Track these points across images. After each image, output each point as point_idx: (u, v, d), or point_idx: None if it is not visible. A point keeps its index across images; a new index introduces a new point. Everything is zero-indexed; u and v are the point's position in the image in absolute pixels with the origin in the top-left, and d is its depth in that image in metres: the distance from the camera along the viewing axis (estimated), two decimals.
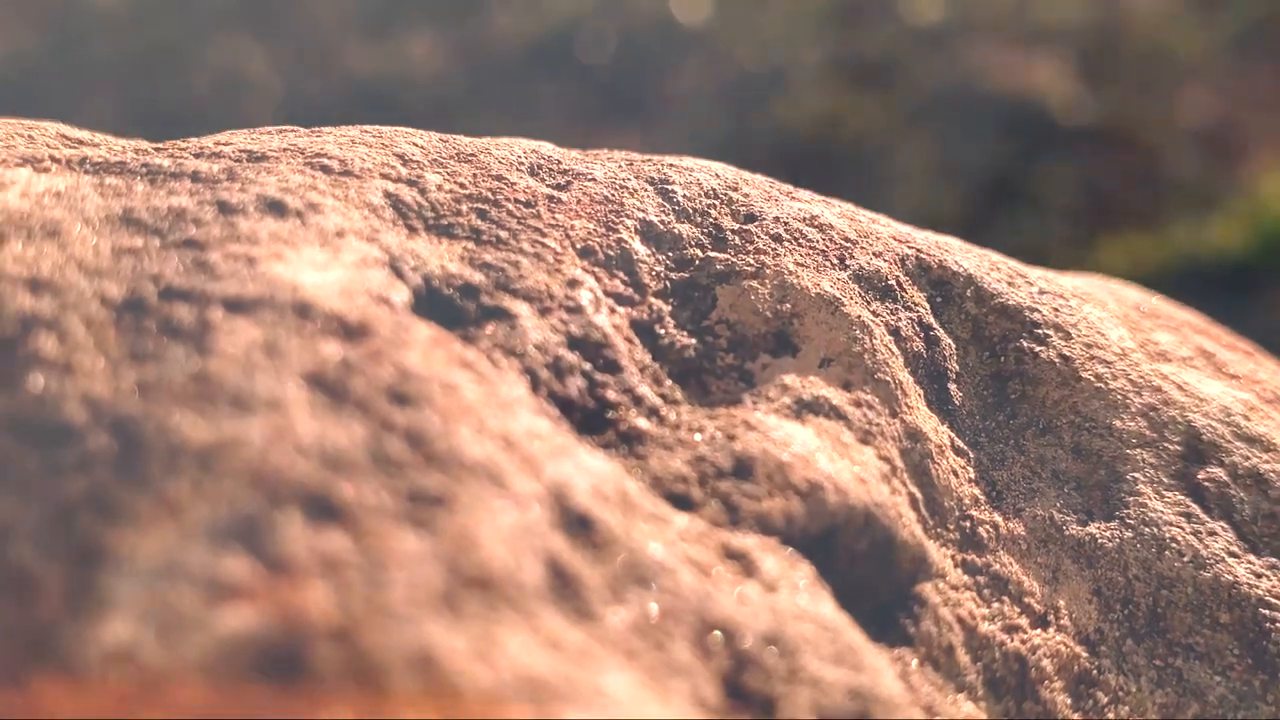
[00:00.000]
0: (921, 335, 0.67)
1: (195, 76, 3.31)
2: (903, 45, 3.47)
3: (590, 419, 0.56)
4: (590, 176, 0.67)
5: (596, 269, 0.62)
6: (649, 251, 0.65)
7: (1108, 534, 0.65)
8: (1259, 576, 0.66)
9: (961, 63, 3.41)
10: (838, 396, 0.61)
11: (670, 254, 0.66)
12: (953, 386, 0.67)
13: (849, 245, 0.69)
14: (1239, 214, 2.93)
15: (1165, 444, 0.69)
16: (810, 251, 0.67)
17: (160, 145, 0.65)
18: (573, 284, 0.61)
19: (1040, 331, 0.71)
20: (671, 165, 0.70)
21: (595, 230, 0.64)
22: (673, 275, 0.65)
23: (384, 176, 0.62)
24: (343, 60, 3.39)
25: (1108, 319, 0.75)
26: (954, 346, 0.69)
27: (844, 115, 3.20)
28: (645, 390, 0.59)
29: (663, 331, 0.62)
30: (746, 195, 0.70)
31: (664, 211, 0.67)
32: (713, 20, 3.56)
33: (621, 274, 0.63)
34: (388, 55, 3.40)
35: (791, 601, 0.52)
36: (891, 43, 3.48)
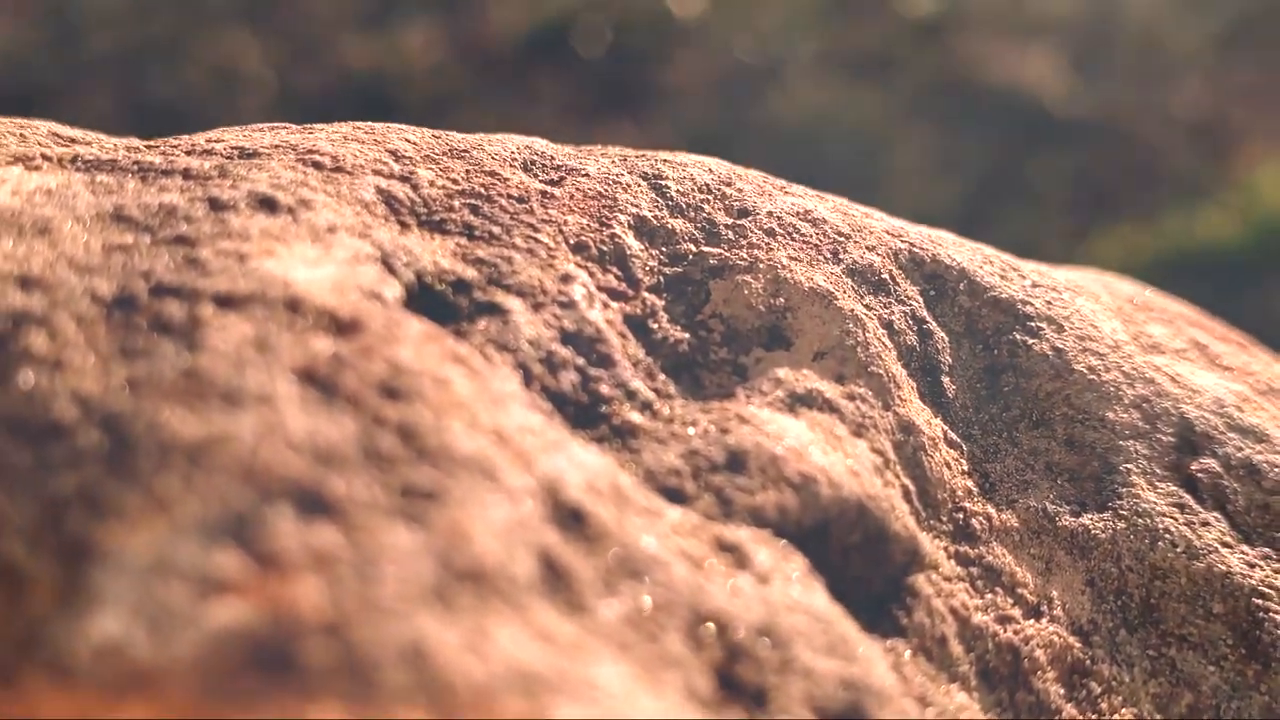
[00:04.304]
0: (915, 329, 0.67)
1: (190, 71, 3.30)
2: (898, 38, 3.47)
3: (583, 413, 0.56)
4: (583, 172, 0.67)
5: (590, 264, 0.62)
6: (642, 246, 0.65)
7: (1101, 525, 0.65)
8: (1252, 567, 0.66)
9: (957, 56, 3.41)
10: (831, 390, 0.61)
11: (664, 249, 0.66)
12: (946, 379, 0.67)
13: (842, 239, 0.69)
14: (1233, 206, 2.94)
15: (1158, 435, 0.69)
16: (804, 246, 0.67)
17: (152, 143, 0.65)
18: (566, 279, 0.61)
19: (1033, 324, 0.71)
20: (665, 160, 0.70)
21: (588, 225, 0.64)
22: (666, 270, 0.65)
23: (376, 173, 0.62)
24: (338, 54, 3.38)
25: (1101, 311, 0.75)
26: (947, 340, 0.69)
27: (839, 108, 3.20)
28: (638, 384, 0.59)
29: (656, 326, 0.62)
30: (740, 190, 0.70)
31: (657, 206, 0.67)
32: (708, 13, 3.56)
33: (615, 269, 0.63)
34: (383, 49, 3.39)
35: (784, 593, 0.52)
36: (887, 36, 3.48)
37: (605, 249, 0.63)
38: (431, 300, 0.57)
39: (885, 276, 0.68)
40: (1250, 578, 0.66)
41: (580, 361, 0.58)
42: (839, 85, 3.29)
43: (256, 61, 3.33)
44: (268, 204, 0.57)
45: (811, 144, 3.06)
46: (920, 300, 0.69)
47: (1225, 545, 0.66)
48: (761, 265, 0.66)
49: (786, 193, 0.71)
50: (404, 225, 0.60)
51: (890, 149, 3.10)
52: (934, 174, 3.05)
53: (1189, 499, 0.67)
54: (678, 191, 0.68)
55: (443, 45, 3.43)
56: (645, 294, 0.63)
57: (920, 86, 3.29)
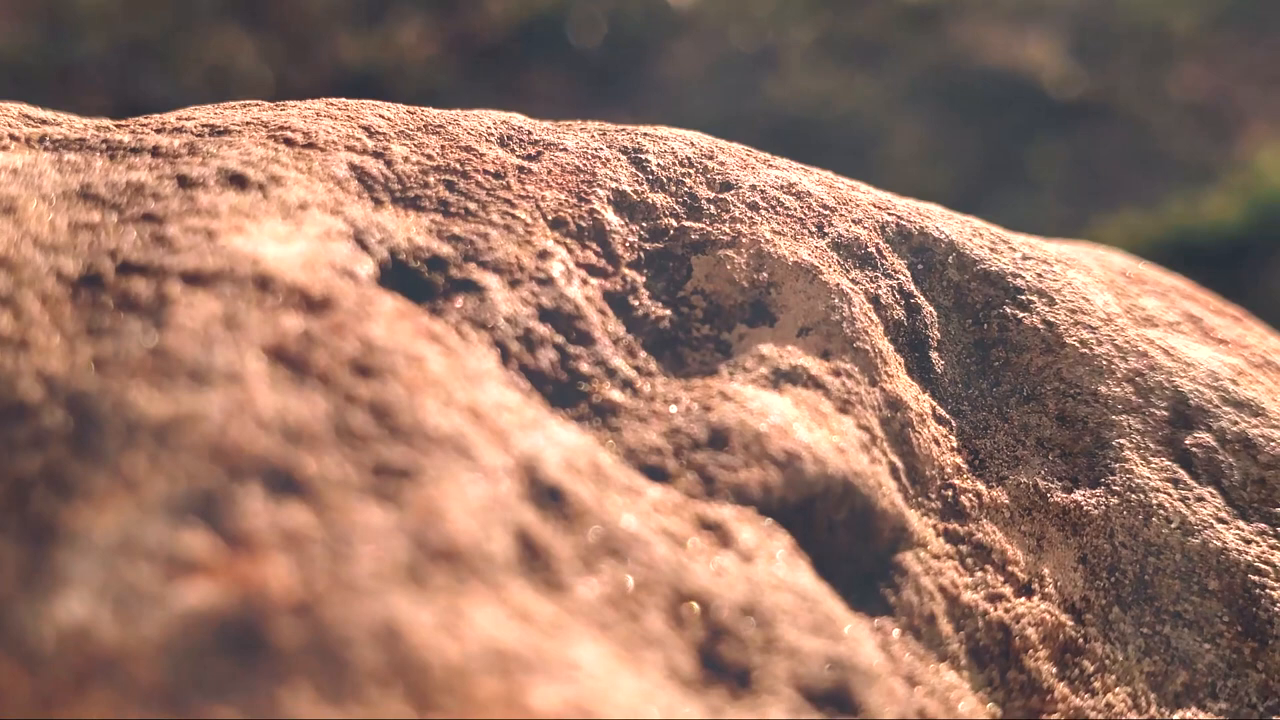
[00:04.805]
0: (902, 303, 0.66)
1: (185, 70, 3.30)
2: (895, 23, 3.45)
3: (562, 391, 0.55)
4: (561, 146, 0.66)
5: (568, 240, 0.61)
6: (622, 222, 0.64)
7: (1093, 501, 0.64)
8: (1248, 542, 0.65)
9: (954, 40, 3.39)
10: (816, 366, 0.60)
11: (644, 224, 0.64)
12: (934, 354, 0.66)
13: (827, 213, 0.68)
14: (1234, 188, 2.92)
15: (1152, 409, 0.68)
16: (788, 219, 0.66)
17: (122, 122, 0.64)
18: (544, 255, 0.60)
19: (1024, 297, 0.70)
20: (645, 134, 0.69)
21: (567, 201, 0.63)
22: (647, 245, 0.64)
23: (349, 149, 0.61)
24: (332, 50, 3.37)
25: (1092, 284, 0.74)
26: (935, 314, 0.68)
27: (836, 95, 3.18)
28: (619, 362, 0.58)
29: (637, 303, 0.61)
30: (722, 163, 0.69)
31: (637, 181, 0.66)
32: (703, 1, 3.54)
33: (594, 245, 0.62)
34: (377, 44, 3.38)
35: (768, 572, 0.51)
36: (883, 21, 3.46)
37: (584, 224, 0.62)
38: (406, 277, 0.56)
39: (872, 250, 0.67)
40: (1246, 553, 0.64)
41: (559, 339, 0.57)
42: (835, 72, 3.28)
43: (251, 59, 3.33)
44: (237, 180, 0.56)
45: (808, 131, 3.04)
46: (908, 274, 0.68)
47: (1220, 520, 0.65)
48: (744, 240, 0.64)
49: (770, 165, 0.70)
50: (378, 202, 0.59)
51: (887, 135, 3.09)
52: (931, 160, 3.03)
53: (1183, 474, 0.66)
54: (658, 165, 0.67)
55: (437, 39, 3.42)
56: (625, 270, 0.62)
57: (917, 72, 3.27)
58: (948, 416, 0.64)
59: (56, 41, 3.37)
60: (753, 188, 0.67)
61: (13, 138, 0.60)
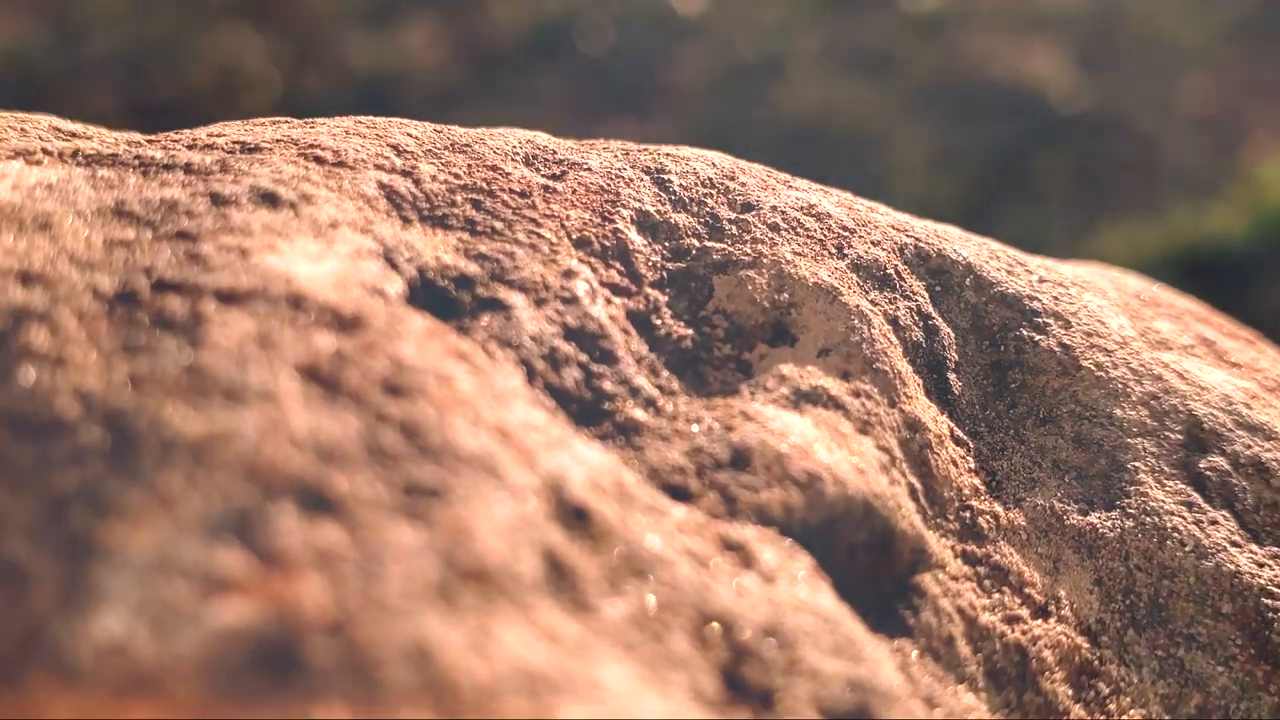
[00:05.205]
0: (920, 324, 0.67)
1: (194, 71, 3.30)
2: (901, 33, 3.46)
3: (587, 410, 0.56)
4: (586, 166, 0.67)
5: (592, 259, 0.62)
6: (645, 241, 0.64)
7: (1109, 524, 0.65)
8: (1261, 566, 0.66)
9: (960, 51, 3.40)
10: (836, 386, 0.61)
11: (667, 244, 0.65)
12: (952, 376, 0.67)
13: (847, 234, 0.68)
14: (1239, 201, 2.93)
15: (1166, 433, 0.69)
16: (808, 240, 0.67)
17: (153, 137, 0.65)
18: (568, 275, 0.60)
19: (1040, 320, 0.71)
20: (668, 155, 0.69)
21: (591, 220, 0.63)
22: (669, 265, 0.64)
23: (378, 167, 0.61)
24: (341, 53, 3.38)
25: (1108, 307, 0.75)
26: (953, 335, 0.68)
27: (842, 103, 3.19)
28: (642, 381, 0.58)
29: (659, 322, 0.62)
30: (743, 184, 0.69)
31: (660, 201, 0.66)
32: (710, 9, 3.55)
33: (617, 264, 0.63)
34: (386, 47, 3.39)
35: (790, 593, 0.51)
36: (890, 31, 3.47)
37: (608, 244, 0.63)
38: (434, 296, 0.56)
39: (891, 272, 0.68)
40: (1259, 577, 0.65)
41: (583, 358, 0.57)
42: (842, 81, 3.28)
43: (259, 61, 3.33)
44: (269, 199, 0.56)
45: (814, 140, 3.05)
46: (926, 295, 0.68)
47: (1234, 544, 0.66)
48: (765, 260, 0.65)
49: (790, 187, 0.71)
50: (406, 220, 0.59)
51: (893, 144, 3.09)
52: (937, 170, 3.04)
53: (1197, 497, 0.67)
54: (680, 186, 0.67)
55: (445, 43, 3.42)
56: (648, 289, 0.63)
57: (923, 82, 3.28)
58: (965, 438, 0.65)
59: (66, 42, 3.38)
60: (774, 209, 0.68)
61: (45, 152, 0.61)
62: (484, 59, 3.37)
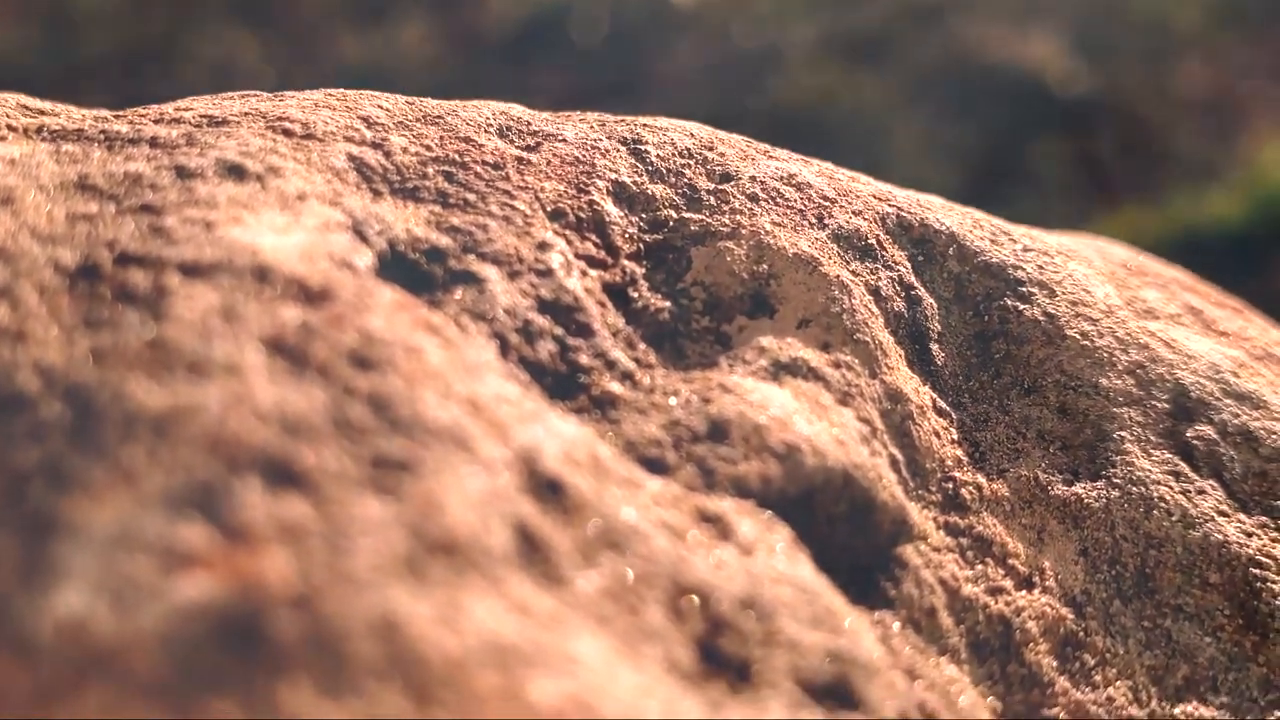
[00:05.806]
0: (902, 295, 0.66)
1: (188, 69, 3.30)
2: (898, 20, 3.44)
3: (562, 383, 0.55)
4: (560, 137, 0.66)
5: (567, 231, 0.61)
6: (621, 213, 0.64)
7: (1094, 494, 0.64)
8: (1249, 535, 0.65)
9: (958, 37, 3.38)
10: (816, 358, 0.60)
11: (643, 215, 0.64)
12: (934, 346, 0.66)
13: (828, 204, 0.68)
14: (1238, 185, 2.91)
15: (1153, 402, 0.68)
16: (788, 211, 0.66)
17: (120, 113, 0.64)
18: (543, 247, 0.59)
19: (1024, 289, 0.70)
20: (645, 125, 0.69)
21: (566, 192, 0.63)
22: (646, 237, 0.64)
23: (348, 139, 0.61)
24: (335, 49, 3.37)
25: (1093, 276, 0.74)
26: (936, 306, 0.67)
27: (839, 92, 3.18)
28: (618, 354, 0.58)
29: (636, 294, 0.61)
30: (722, 155, 0.69)
31: (637, 172, 0.66)
32: None
33: (593, 236, 0.62)
34: (380, 42, 3.38)
35: (768, 564, 0.51)
36: (887, 18, 3.46)
37: (583, 216, 0.62)
38: (405, 269, 0.55)
39: (872, 241, 0.67)
40: (1247, 546, 0.64)
41: (558, 331, 0.57)
42: (838, 69, 3.27)
43: (254, 58, 3.33)
44: (236, 171, 0.55)
45: (811, 129, 3.04)
46: (908, 265, 0.68)
47: (1221, 514, 0.65)
48: (744, 231, 0.64)
49: (770, 157, 0.70)
50: (376, 193, 0.58)
51: (890, 132, 3.08)
52: (935, 157, 3.03)
53: (1184, 466, 0.66)
54: (658, 156, 0.67)
55: (439, 37, 3.42)
56: (625, 261, 0.62)
57: (920, 69, 3.27)
58: (948, 409, 0.64)
59: (60, 41, 3.38)
60: (752, 179, 0.67)
61: (10, 128, 0.60)
62: (478, 52, 3.36)
